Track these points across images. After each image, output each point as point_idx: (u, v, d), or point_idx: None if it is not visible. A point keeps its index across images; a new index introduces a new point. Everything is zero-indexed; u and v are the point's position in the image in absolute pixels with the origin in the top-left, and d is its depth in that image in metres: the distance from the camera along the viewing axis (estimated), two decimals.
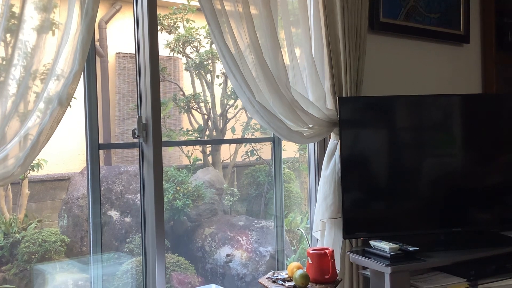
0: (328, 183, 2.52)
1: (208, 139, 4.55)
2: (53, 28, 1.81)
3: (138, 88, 2.27)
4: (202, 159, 4.49)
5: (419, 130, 2.66)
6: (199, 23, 4.32)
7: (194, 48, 4.38)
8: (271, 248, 3.83)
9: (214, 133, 4.47)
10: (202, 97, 4.43)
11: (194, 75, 4.44)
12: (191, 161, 4.41)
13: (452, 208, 2.60)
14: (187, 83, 4.52)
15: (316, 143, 2.75)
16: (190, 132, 4.41)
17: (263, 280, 2.26)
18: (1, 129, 1.68)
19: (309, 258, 2.24)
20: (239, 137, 4.53)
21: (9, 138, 1.71)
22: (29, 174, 3.65)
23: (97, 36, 4.20)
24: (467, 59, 3.46)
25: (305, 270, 2.21)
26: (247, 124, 4.49)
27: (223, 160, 4.58)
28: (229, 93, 4.44)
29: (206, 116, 4.45)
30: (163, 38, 4.27)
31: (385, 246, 2.29)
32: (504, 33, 3.52)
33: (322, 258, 2.21)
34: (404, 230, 2.56)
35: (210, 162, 4.51)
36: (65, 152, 3.83)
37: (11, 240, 3.36)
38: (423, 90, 3.08)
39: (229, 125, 4.48)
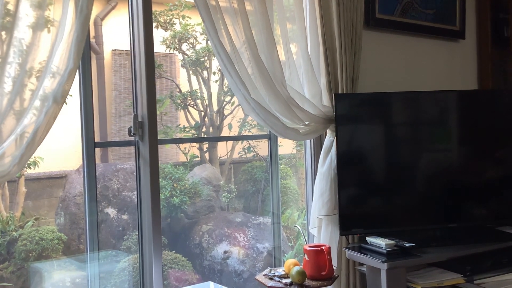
0: (325, 179, 2.52)
1: (205, 136, 4.55)
2: (48, 26, 1.81)
3: (134, 86, 2.26)
4: (199, 156, 4.49)
5: (415, 126, 2.67)
6: (195, 19, 4.31)
7: (190, 45, 4.38)
8: (269, 244, 3.83)
9: (211, 130, 4.47)
10: (199, 94, 4.43)
11: (191, 72, 4.43)
12: (188, 158, 4.41)
13: (448, 203, 2.61)
14: (183, 80, 4.51)
15: (312, 140, 2.75)
16: (187, 129, 4.41)
17: (259, 277, 2.27)
18: None
19: (305, 255, 2.24)
20: (236, 133, 4.53)
21: (5, 136, 1.71)
22: (25, 172, 3.64)
23: (93, 33, 4.18)
24: (463, 55, 3.46)
25: (301, 266, 2.22)
26: (243, 121, 4.49)
27: (220, 157, 4.58)
28: (225, 89, 4.44)
29: (202, 113, 4.44)
30: (159, 34, 4.25)
31: (381, 242, 2.30)
32: (500, 29, 3.52)
33: (319, 255, 2.21)
34: (400, 226, 2.57)
35: (207, 159, 4.51)
36: (62, 150, 3.82)
37: (8, 238, 3.36)
38: (419, 86, 3.09)
39: (225, 122, 4.48)
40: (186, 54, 4.39)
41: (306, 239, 2.85)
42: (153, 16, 2.28)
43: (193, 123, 4.44)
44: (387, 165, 2.63)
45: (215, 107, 4.45)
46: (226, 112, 4.47)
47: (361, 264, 2.50)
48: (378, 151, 2.61)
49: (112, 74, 4.34)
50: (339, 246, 2.55)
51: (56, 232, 3.48)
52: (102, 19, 4.25)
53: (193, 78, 4.44)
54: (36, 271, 3.30)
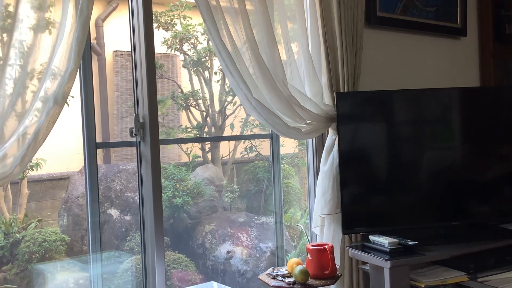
0: (327, 178, 2.52)
1: (207, 136, 4.55)
2: (49, 27, 1.81)
3: (135, 86, 2.26)
4: (201, 156, 4.49)
5: (417, 124, 2.66)
6: (196, 20, 4.31)
7: (192, 45, 4.38)
8: (272, 244, 3.83)
9: (213, 130, 4.47)
10: (200, 94, 4.43)
11: (192, 72, 4.44)
12: (190, 158, 4.41)
13: (451, 201, 2.61)
14: (185, 80, 4.52)
15: (314, 139, 2.75)
16: (189, 129, 4.41)
17: (263, 276, 2.27)
18: None
19: (308, 254, 2.24)
20: (238, 133, 4.53)
21: (7, 137, 1.71)
22: (28, 174, 3.65)
23: (94, 34, 4.19)
24: (464, 52, 3.45)
25: (304, 266, 2.21)
26: (245, 121, 4.49)
27: (222, 157, 4.58)
28: (227, 89, 4.44)
29: (204, 113, 4.45)
30: (160, 35, 4.26)
31: (384, 241, 2.30)
32: (502, 26, 3.51)
33: (322, 254, 2.21)
34: (403, 224, 2.56)
35: (209, 159, 4.51)
36: (64, 151, 3.83)
37: (12, 240, 3.37)
38: (421, 84, 3.08)
39: (227, 122, 4.48)
40: (188, 55, 4.40)
41: (309, 238, 2.84)
42: (154, 16, 2.28)
43: (195, 123, 4.44)
44: (389, 163, 2.62)
45: (217, 107, 4.46)
46: (228, 112, 4.47)
47: (364, 263, 2.49)
48: (380, 149, 2.61)
49: (113, 75, 4.34)
50: (342, 245, 2.54)
51: (59, 234, 3.49)
52: (103, 20, 4.25)
53: (195, 78, 4.44)
54: (40, 273, 3.31)
